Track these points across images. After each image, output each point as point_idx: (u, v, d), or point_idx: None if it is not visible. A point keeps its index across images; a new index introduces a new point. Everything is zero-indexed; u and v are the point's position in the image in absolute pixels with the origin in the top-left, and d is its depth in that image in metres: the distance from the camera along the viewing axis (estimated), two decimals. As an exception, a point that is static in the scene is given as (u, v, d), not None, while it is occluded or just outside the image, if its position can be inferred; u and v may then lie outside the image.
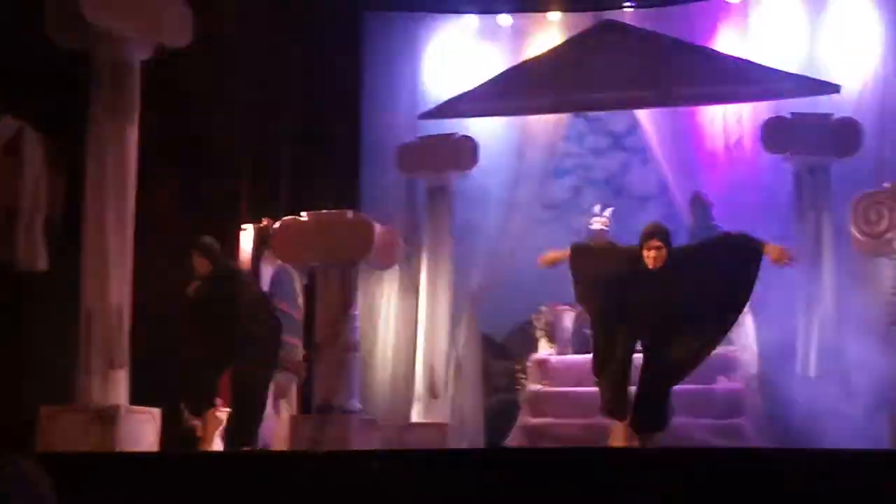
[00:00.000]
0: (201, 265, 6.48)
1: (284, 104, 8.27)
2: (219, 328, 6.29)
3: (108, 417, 6.11)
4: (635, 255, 5.56)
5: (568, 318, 8.08)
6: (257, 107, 7.92)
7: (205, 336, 6.29)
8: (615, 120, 9.04)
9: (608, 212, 8.34)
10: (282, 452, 6.94)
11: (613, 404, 5.65)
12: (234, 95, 7.73)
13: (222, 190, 7.71)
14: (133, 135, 6.42)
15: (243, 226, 7.81)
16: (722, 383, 7.34)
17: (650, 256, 5.51)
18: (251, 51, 7.87)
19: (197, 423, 6.94)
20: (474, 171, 8.19)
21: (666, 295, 5.48)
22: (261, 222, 7.92)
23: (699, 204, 8.06)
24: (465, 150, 8.09)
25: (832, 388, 6.96)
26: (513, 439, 7.44)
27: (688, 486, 4.48)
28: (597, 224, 8.28)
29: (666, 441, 6.82)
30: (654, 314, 5.55)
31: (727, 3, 8.23)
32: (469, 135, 8.14)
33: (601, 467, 4.74)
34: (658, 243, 5.52)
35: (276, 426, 7.65)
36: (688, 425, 7.05)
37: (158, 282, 6.70)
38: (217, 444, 7.02)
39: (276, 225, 7.94)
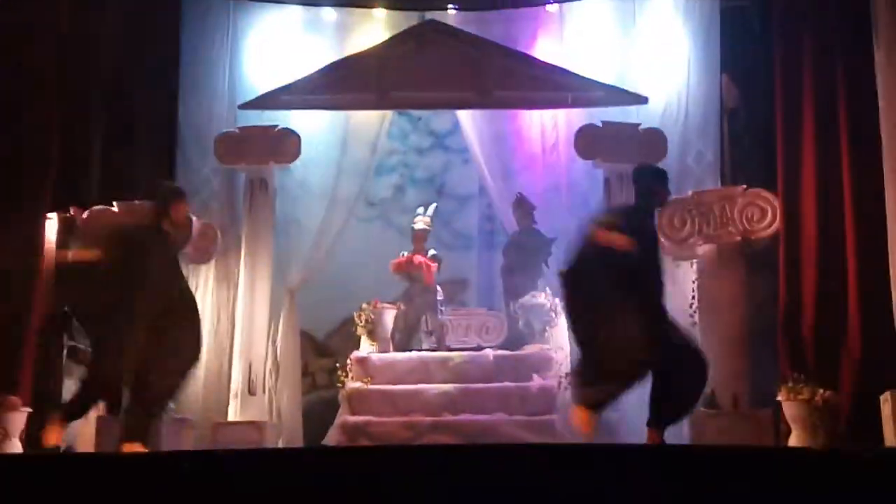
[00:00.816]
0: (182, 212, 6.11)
1: (96, 87, 7.89)
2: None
3: None
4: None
5: (389, 316, 8.11)
6: (66, 89, 7.51)
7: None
8: (438, 119, 9.15)
9: (431, 209, 8.43)
10: (88, 454, 6.64)
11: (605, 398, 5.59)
12: (41, 75, 7.31)
13: (26, 176, 7.28)
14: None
15: (48, 215, 7.41)
16: (536, 381, 7.56)
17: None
18: (62, 29, 7.46)
19: (-7, 422, 6.56)
20: (296, 164, 8.10)
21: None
22: (67, 212, 7.54)
23: (521, 206, 8.28)
24: (287, 142, 7.98)
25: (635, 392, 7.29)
26: (331, 437, 7.40)
27: (501, 482, 4.59)
28: (420, 223, 8.36)
29: (480, 438, 6.98)
30: None
31: (546, 11, 8.48)
32: (291, 127, 8.04)
33: (419, 465, 4.78)
34: None
35: (82, 426, 7.32)
36: (503, 421, 7.22)
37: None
38: (17, 446, 6.66)
39: (85, 215, 7.58)
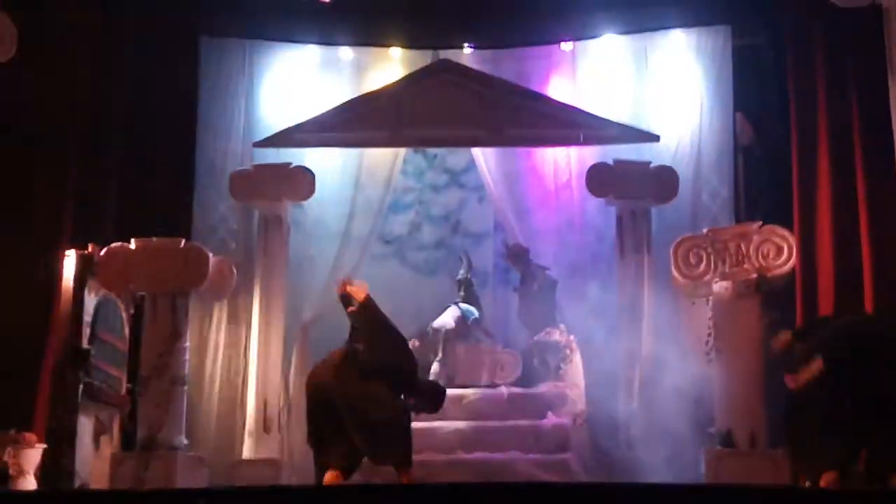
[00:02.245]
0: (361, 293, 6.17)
1: (115, 126, 7.99)
2: None
3: None
4: None
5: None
6: (86, 128, 7.61)
7: None
8: (453, 157, 9.18)
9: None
10: (103, 491, 6.64)
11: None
12: (61, 114, 7.41)
13: (45, 212, 7.35)
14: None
15: (66, 251, 7.47)
16: (550, 419, 7.51)
17: None
18: (82, 70, 7.57)
19: (9, 458, 6.58)
20: (310, 202, 8.13)
21: None
22: (85, 248, 7.60)
23: (514, 255, 8.33)
24: (302, 180, 8.03)
25: (653, 416, 7.25)
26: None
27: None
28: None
29: (495, 476, 6.94)
30: None
31: (559, 49, 8.53)
32: (305, 166, 8.09)
33: (431, 503, 4.75)
34: None
35: (97, 463, 7.33)
36: (517, 460, 7.17)
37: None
38: (31, 482, 6.66)
39: (102, 252, 7.63)
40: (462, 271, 8.60)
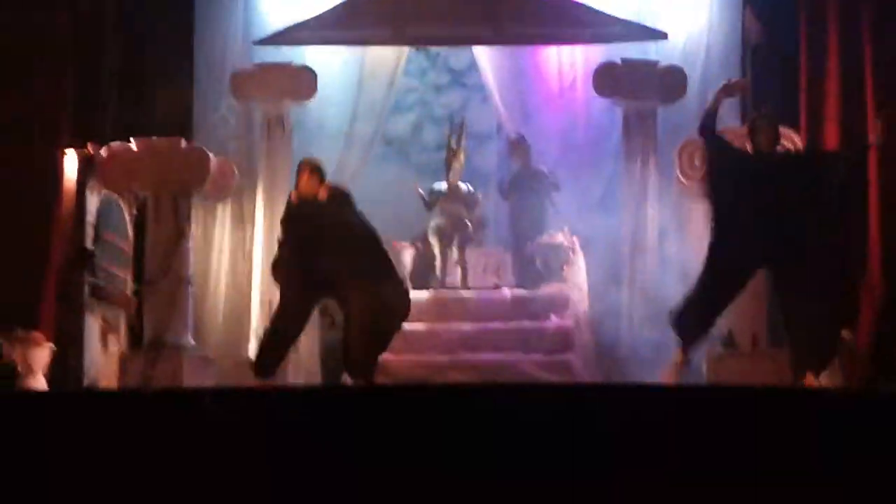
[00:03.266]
0: (312, 186, 6.06)
1: (110, 25, 7.83)
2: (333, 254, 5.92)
3: None
4: None
5: (407, 255, 8.12)
6: (80, 27, 7.46)
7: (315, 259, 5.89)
8: (456, 56, 9.04)
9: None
10: (110, 390, 6.73)
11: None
12: (55, 14, 7.26)
13: (42, 112, 7.26)
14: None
15: (66, 151, 7.41)
16: (553, 320, 7.58)
17: None
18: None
19: (17, 357, 6.65)
20: (312, 102, 8.03)
21: None
22: (85, 148, 7.54)
23: (517, 147, 8.20)
24: (304, 79, 7.91)
25: (654, 331, 7.31)
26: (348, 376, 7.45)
27: (516, 418, 4.62)
28: None
29: (496, 377, 7.03)
30: None
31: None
32: (307, 64, 7.96)
33: (435, 404, 4.82)
34: None
35: (104, 362, 7.41)
36: (520, 361, 7.26)
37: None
38: (41, 382, 6.75)
39: (103, 151, 7.58)
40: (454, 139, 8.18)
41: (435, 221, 8.10)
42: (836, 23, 7.06)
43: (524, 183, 8.22)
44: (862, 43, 6.86)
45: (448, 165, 8.17)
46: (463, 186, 8.23)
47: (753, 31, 8.06)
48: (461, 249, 8.06)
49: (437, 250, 8.08)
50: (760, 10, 7.99)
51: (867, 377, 6.42)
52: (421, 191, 8.16)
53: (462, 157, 8.21)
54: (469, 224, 8.12)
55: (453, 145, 8.19)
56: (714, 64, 8.02)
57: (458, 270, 8.11)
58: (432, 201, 8.09)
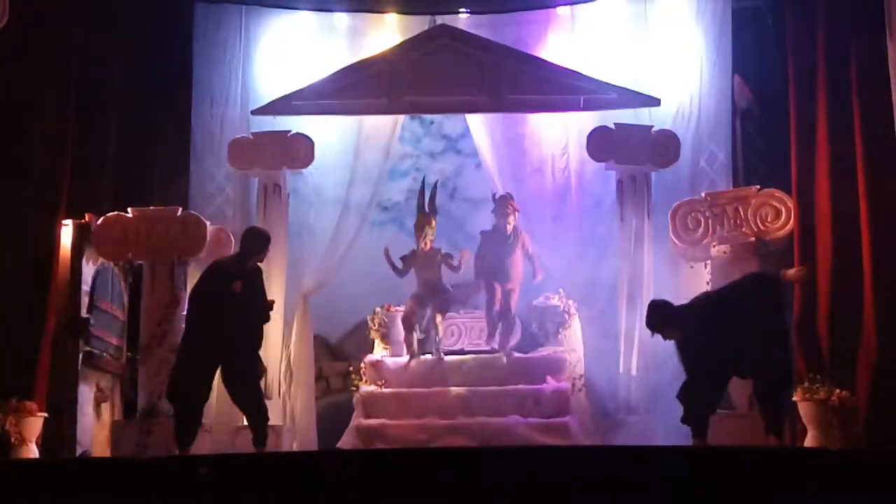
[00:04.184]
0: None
1: (111, 94, 7.93)
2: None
3: None
4: None
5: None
6: (82, 96, 7.56)
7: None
8: (450, 123, 9.14)
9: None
10: (104, 459, 6.67)
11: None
12: (57, 82, 7.36)
13: (41, 184, 7.31)
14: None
15: (64, 221, 7.45)
16: (550, 383, 7.54)
17: None
18: (76, 36, 7.51)
19: (11, 427, 6.60)
20: (309, 169, 8.11)
21: None
22: (82, 217, 7.58)
23: (500, 200, 8.02)
24: (300, 147, 8.00)
25: (652, 381, 7.29)
26: (346, 441, 7.41)
27: (515, 482, 4.59)
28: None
29: (495, 440, 6.98)
30: None
31: (557, 13, 8.46)
32: (304, 132, 8.05)
33: (435, 468, 4.79)
34: None
35: (98, 431, 7.36)
36: (517, 424, 7.21)
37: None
38: (33, 451, 6.69)
39: (99, 221, 7.62)
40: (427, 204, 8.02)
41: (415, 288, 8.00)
42: (825, 87, 7.16)
43: (501, 231, 8.07)
44: (850, 102, 6.95)
45: (420, 230, 8.00)
46: (440, 251, 8.12)
47: (743, 95, 8.18)
48: (436, 314, 7.84)
49: (417, 317, 7.92)
50: (749, 75, 8.13)
51: (863, 438, 6.39)
52: (391, 258, 7.96)
53: (434, 221, 8.09)
54: (447, 289, 8.00)
55: (426, 209, 8.13)
56: (704, 127, 8.11)
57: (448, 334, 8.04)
58: (405, 268, 8.00)
